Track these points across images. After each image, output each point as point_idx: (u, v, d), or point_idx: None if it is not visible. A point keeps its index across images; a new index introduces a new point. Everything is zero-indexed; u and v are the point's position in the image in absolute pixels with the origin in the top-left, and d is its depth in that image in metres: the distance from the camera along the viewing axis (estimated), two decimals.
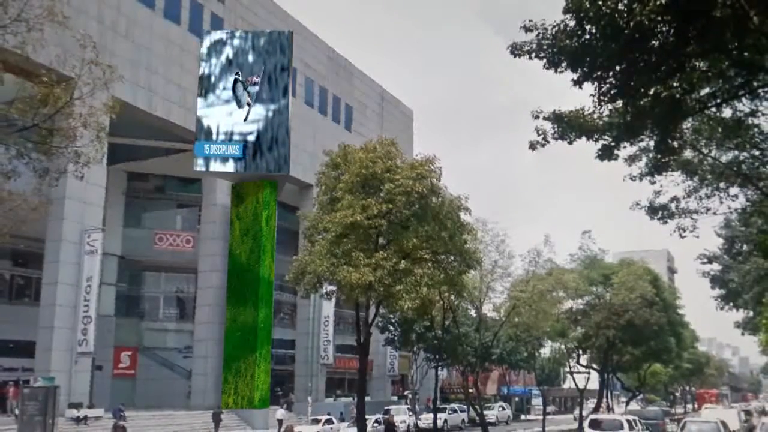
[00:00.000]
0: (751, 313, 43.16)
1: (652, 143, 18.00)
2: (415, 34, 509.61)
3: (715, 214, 24.48)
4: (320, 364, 48.83)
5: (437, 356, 38.18)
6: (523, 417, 69.22)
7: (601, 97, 13.47)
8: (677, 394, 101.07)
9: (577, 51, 12.59)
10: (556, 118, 15.34)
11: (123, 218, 46.77)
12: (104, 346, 39.92)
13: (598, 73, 12.98)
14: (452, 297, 30.08)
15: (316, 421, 37.08)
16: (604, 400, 55.06)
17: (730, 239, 35.93)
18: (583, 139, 15.52)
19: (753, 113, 19.81)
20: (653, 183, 22.19)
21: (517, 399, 77.14)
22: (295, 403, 45.22)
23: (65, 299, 32.95)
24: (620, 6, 11.49)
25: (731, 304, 41.24)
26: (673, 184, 23.46)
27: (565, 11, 12.38)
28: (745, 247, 34.71)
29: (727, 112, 19.39)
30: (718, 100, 16.02)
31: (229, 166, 38.73)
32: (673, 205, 23.89)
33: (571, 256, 46.36)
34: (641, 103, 13.38)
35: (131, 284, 47.97)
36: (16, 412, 29.16)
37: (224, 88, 38.86)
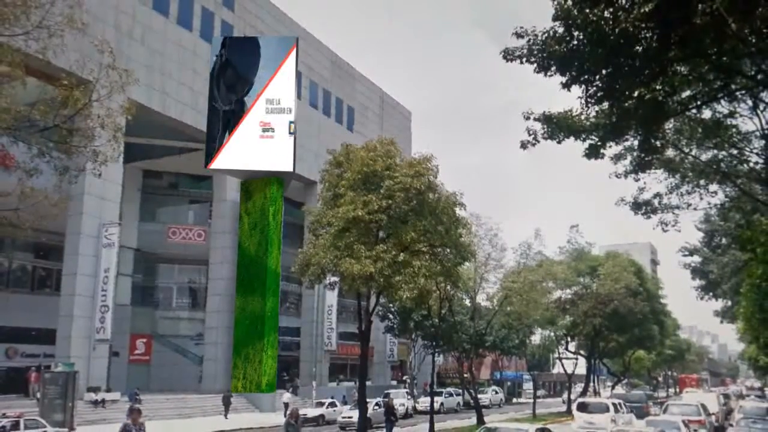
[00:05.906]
0: (730, 303, 43.24)
1: (636, 143, 18.07)
2: (414, 40, 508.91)
3: (695, 209, 24.62)
4: (324, 351, 48.97)
5: (434, 343, 38.17)
6: (514, 400, 69.26)
7: (588, 99, 13.51)
8: (660, 378, 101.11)
9: (566, 56, 12.62)
10: (546, 119, 15.37)
11: (138, 213, 46.83)
12: (121, 334, 40.00)
13: (586, 76, 13.02)
14: (448, 287, 29.98)
15: (320, 404, 37.18)
16: (591, 384, 55.11)
17: (709, 233, 36.04)
18: (571, 138, 15.56)
19: (731, 114, 19.90)
20: (637, 180, 22.33)
21: (509, 383, 77.24)
22: (301, 387, 45.30)
23: (84, 289, 33.04)
24: (606, 14, 11.51)
25: (711, 293, 41.37)
26: (656, 181, 23.68)
27: (554, 18, 12.41)
28: (723, 240, 34.83)
29: (706, 114, 19.50)
30: (699, 102, 16.07)
31: (239, 164, 38.78)
32: (656, 201, 24.01)
33: (560, 249, 46.49)
34: (626, 104, 13.40)
35: (146, 275, 48.09)
36: (38, 395, 29.28)
37: (233, 91, 38.89)
